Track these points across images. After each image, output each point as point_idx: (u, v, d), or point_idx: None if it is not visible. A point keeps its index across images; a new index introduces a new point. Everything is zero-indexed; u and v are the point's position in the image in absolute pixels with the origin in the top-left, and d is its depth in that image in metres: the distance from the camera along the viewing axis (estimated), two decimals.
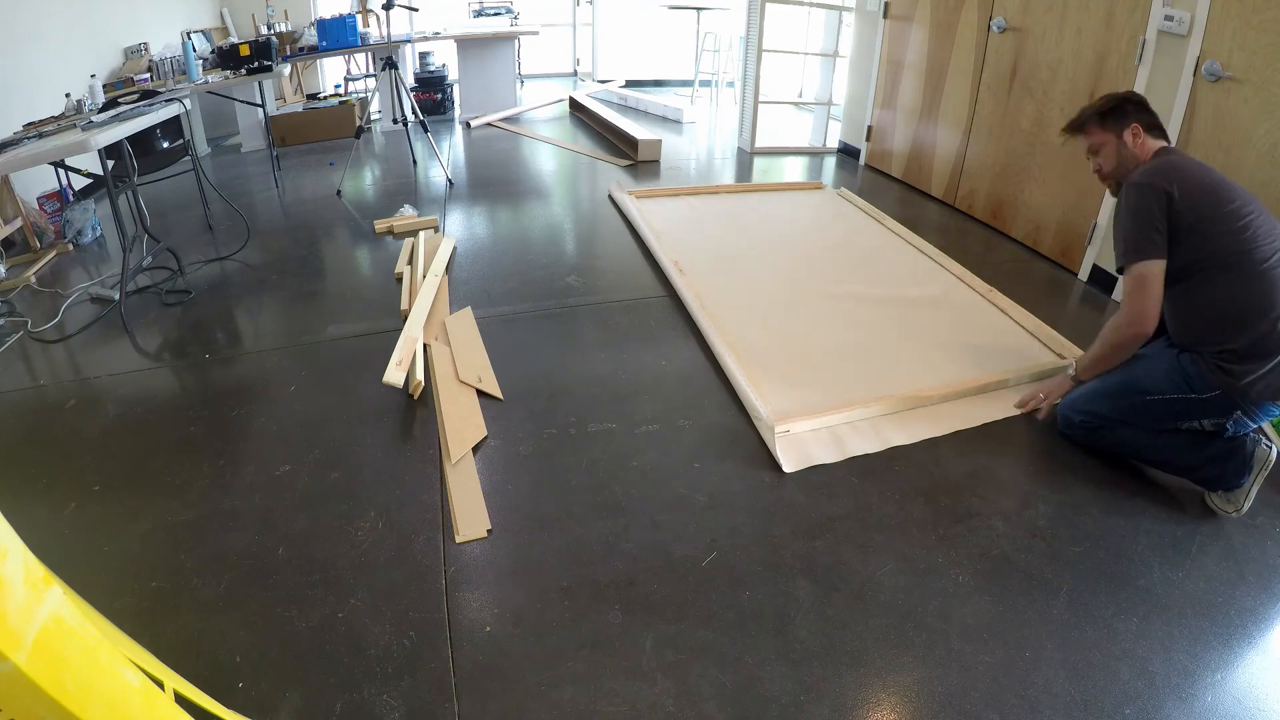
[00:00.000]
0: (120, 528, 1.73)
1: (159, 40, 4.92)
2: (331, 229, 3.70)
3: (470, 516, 1.75)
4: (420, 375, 2.25)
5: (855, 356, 2.42)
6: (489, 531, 1.70)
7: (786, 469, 1.88)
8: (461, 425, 2.06)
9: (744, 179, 4.56)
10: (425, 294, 2.71)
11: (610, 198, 4.01)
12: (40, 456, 2.01)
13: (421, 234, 3.45)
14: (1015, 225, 3.44)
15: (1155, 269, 1.76)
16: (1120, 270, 1.84)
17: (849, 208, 3.81)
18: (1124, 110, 1.93)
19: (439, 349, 2.45)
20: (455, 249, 3.28)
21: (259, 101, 4.62)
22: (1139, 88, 2.65)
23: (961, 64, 3.71)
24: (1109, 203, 2.84)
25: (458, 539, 1.68)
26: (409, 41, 5.42)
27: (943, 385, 2.21)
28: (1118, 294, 2.82)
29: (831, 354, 2.43)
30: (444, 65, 6.33)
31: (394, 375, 2.16)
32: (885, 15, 4.34)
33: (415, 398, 2.19)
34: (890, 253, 3.29)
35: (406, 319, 2.62)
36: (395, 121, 4.91)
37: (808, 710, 1.31)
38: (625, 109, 6.33)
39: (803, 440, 1.99)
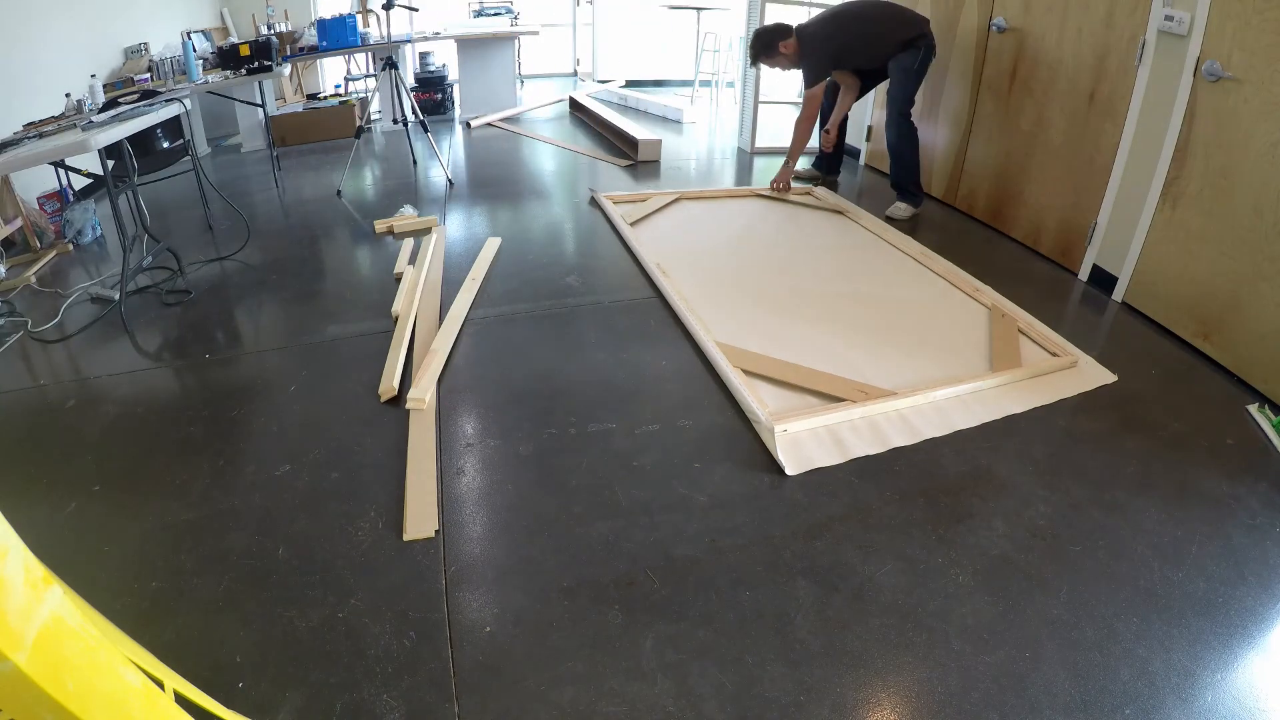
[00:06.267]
0: (120, 528, 1.73)
1: (159, 40, 4.92)
2: (331, 229, 3.70)
3: (420, 513, 1.74)
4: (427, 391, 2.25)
5: (847, 357, 2.41)
6: (436, 532, 1.70)
7: (789, 472, 1.88)
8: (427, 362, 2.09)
9: (744, 179, 4.56)
10: (462, 298, 2.78)
11: (593, 201, 4.00)
12: (40, 456, 2.01)
13: (432, 235, 3.45)
14: (1015, 225, 3.44)
15: (817, 91, 3.77)
16: (806, 89, 3.76)
17: (835, 211, 3.81)
18: (771, 44, 3.74)
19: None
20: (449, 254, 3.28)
21: (259, 101, 4.62)
22: (1139, 88, 2.65)
23: (961, 64, 3.71)
24: (1109, 203, 2.85)
25: (404, 537, 1.68)
26: (409, 41, 5.42)
27: (939, 384, 2.22)
28: (1118, 294, 2.82)
29: (823, 354, 2.43)
30: (444, 65, 6.33)
31: (418, 394, 2.17)
32: None
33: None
34: (877, 254, 3.30)
35: (398, 320, 2.62)
36: (395, 121, 4.91)
37: (808, 710, 1.31)
38: (625, 109, 6.33)
39: (803, 441, 1.99)
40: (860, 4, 3.74)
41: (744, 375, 2.25)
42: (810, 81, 3.72)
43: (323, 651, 1.41)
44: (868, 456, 1.95)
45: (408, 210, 3.73)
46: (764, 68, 4.81)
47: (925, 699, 1.33)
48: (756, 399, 2.11)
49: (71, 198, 3.70)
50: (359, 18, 5.39)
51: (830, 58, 3.69)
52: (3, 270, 3.16)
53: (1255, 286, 2.26)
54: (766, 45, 3.76)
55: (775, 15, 4.86)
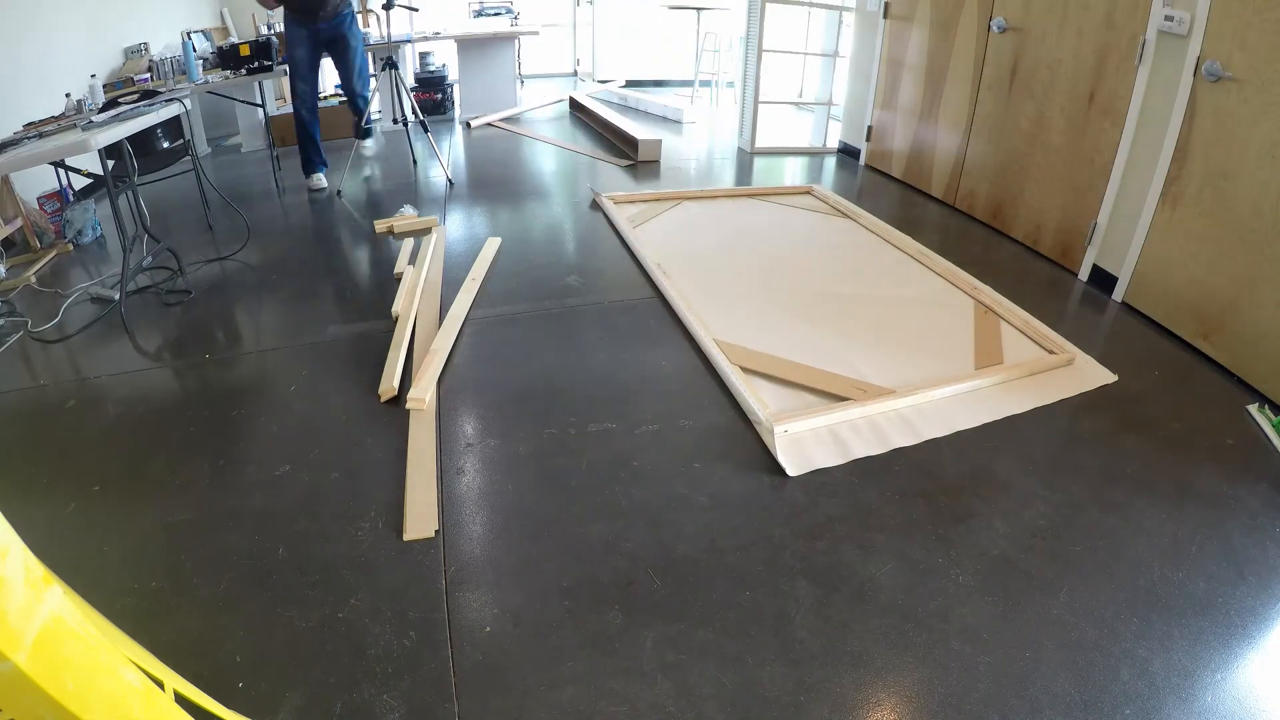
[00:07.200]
0: (120, 528, 1.73)
1: (159, 40, 4.92)
2: (331, 229, 3.70)
3: (420, 513, 1.74)
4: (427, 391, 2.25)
5: (846, 356, 2.42)
6: (436, 532, 1.70)
7: (790, 472, 1.88)
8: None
9: (744, 179, 4.56)
10: (462, 298, 2.78)
11: (594, 203, 4.00)
12: (40, 456, 2.01)
13: (432, 235, 3.46)
14: (1015, 225, 3.44)
15: None
16: None
17: (834, 211, 3.81)
18: None
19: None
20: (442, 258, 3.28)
21: (259, 101, 4.62)
22: (1139, 88, 2.65)
23: (961, 64, 3.71)
24: (1109, 202, 2.85)
25: (404, 537, 1.68)
26: (409, 41, 5.42)
27: (939, 383, 2.21)
28: (1118, 294, 2.82)
29: (822, 353, 2.43)
30: (444, 65, 6.33)
31: (418, 395, 2.17)
32: (885, 15, 4.34)
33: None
34: (877, 253, 3.30)
35: (398, 320, 2.62)
36: (395, 121, 4.91)
37: (808, 710, 1.31)
38: (625, 109, 6.34)
39: (804, 442, 1.99)
40: None
41: (744, 374, 2.25)
42: None
43: (323, 651, 1.41)
44: (868, 457, 1.95)
45: (408, 210, 3.73)
46: (766, 68, 4.80)
47: (925, 699, 1.33)
48: (757, 399, 2.11)
49: (71, 198, 3.70)
50: (359, 18, 5.39)
51: None
52: (3, 270, 3.16)
53: (1255, 286, 2.26)
54: None
55: (775, 15, 4.87)
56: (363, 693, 1.33)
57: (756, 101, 4.87)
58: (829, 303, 2.81)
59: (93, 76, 3.74)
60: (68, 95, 3.53)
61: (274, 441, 2.04)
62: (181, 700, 1.01)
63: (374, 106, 5.83)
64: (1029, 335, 2.54)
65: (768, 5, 4.69)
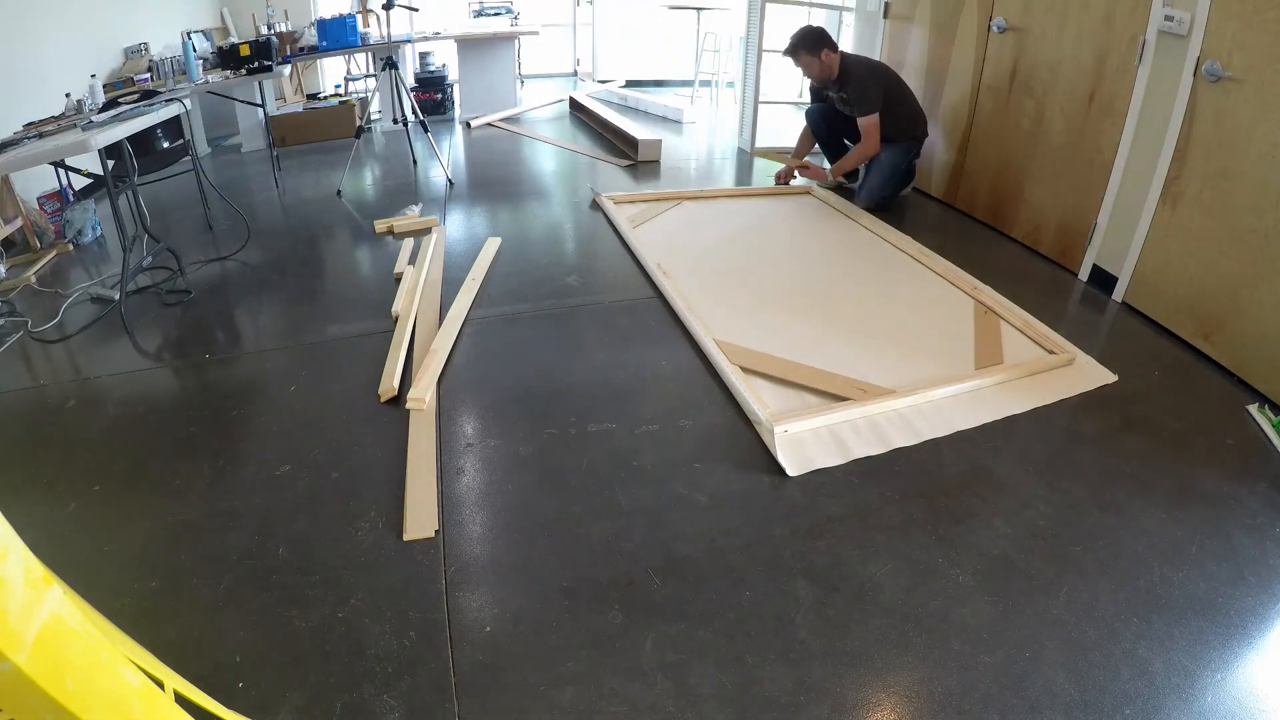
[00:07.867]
0: (120, 528, 1.73)
1: (159, 40, 4.92)
2: (331, 229, 3.70)
3: (420, 513, 1.74)
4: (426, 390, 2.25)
5: (846, 356, 2.41)
6: (436, 532, 1.70)
7: (790, 472, 1.88)
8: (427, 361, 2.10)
9: (744, 179, 4.56)
10: (462, 299, 2.77)
11: (594, 203, 3.99)
12: (40, 456, 2.01)
13: (432, 235, 3.46)
14: (1015, 225, 3.44)
15: (876, 119, 3.65)
16: (863, 115, 3.65)
17: (834, 211, 3.81)
18: (819, 44, 3.64)
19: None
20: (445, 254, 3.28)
21: (259, 101, 4.63)
22: (1139, 88, 2.65)
23: (961, 64, 3.71)
24: (1109, 202, 2.84)
25: (404, 537, 1.68)
26: (409, 41, 5.42)
27: (939, 383, 2.21)
28: (1118, 294, 2.82)
29: (822, 354, 2.43)
30: (444, 65, 6.33)
31: (418, 395, 2.16)
32: (885, 15, 4.34)
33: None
34: (877, 253, 3.30)
35: (398, 320, 2.62)
36: (395, 121, 4.91)
37: (808, 710, 1.31)
38: (625, 109, 6.33)
39: (804, 442, 1.99)
40: (896, 75, 3.83)
41: (744, 374, 2.25)
42: (868, 109, 3.63)
43: (323, 651, 1.41)
44: (868, 457, 1.95)
45: (412, 210, 3.72)
46: (766, 68, 4.81)
47: (925, 699, 1.33)
48: (757, 399, 2.11)
49: (71, 198, 3.70)
50: (359, 18, 5.39)
51: (880, 96, 3.65)
52: (3, 270, 3.16)
53: (1255, 286, 2.26)
54: (815, 43, 3.67)
55: (775, 15, 4.87)
56: (363, 693, 1.33)
57: (756, 101, 4.87)
58: (829, 303, 2.81)
59: (93, 76, 3.74)
60: (68, 95, 3.53)
61: (274, 441, 2.04)
62: (181, 700, 1.01)
63: (374, 106, 5.86)
64: (1029, 335, 2.54)
65: (768, 5, 4.69)
